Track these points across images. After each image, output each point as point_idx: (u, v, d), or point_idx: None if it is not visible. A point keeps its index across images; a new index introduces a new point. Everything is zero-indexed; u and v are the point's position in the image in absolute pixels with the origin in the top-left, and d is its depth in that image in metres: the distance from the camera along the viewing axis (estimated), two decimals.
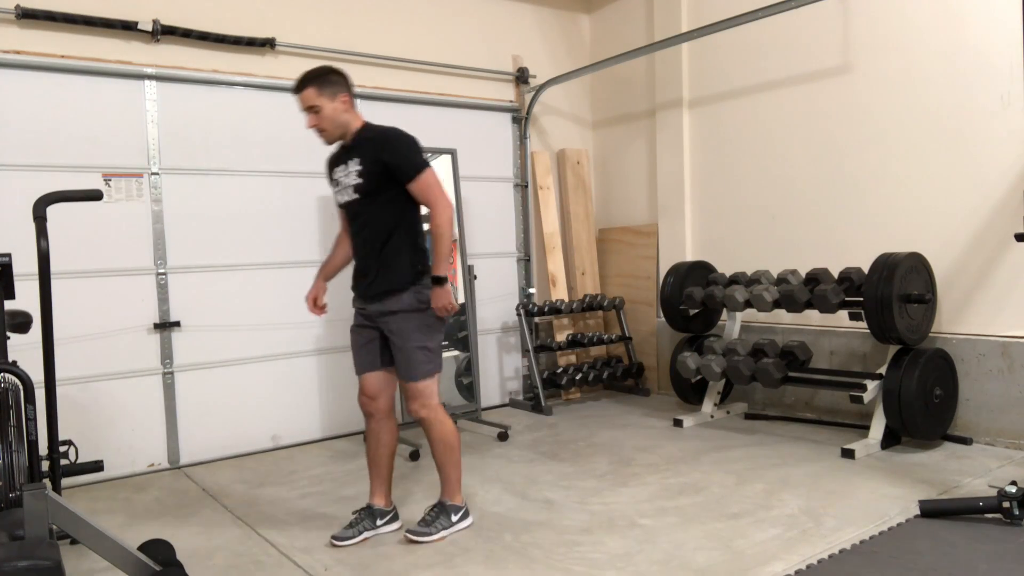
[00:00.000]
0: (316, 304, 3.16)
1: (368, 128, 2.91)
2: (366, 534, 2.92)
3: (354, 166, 2.84)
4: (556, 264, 5.65)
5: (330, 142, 2.92)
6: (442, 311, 2.84)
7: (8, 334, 2.49)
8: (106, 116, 3.95)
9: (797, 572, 2.46)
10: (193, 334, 4.19)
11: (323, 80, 2.81)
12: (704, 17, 4.86)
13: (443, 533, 2.90)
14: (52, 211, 2.62)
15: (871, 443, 3.80)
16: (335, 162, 2.97)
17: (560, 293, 5.61)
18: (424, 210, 2.90)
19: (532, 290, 5.61)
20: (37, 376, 2.35)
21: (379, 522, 2.97)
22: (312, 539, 2.95)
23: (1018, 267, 3.73)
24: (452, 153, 4.73)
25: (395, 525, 3.01)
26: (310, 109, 2.81)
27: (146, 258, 4.07)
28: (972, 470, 3.43)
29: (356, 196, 2.86)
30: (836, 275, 4.13)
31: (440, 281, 2.81)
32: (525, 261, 5.62)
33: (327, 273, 3.21)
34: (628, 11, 5.71)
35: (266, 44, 4.41)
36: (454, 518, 2.95)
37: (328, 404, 4.65)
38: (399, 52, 4.96)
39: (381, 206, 2.84)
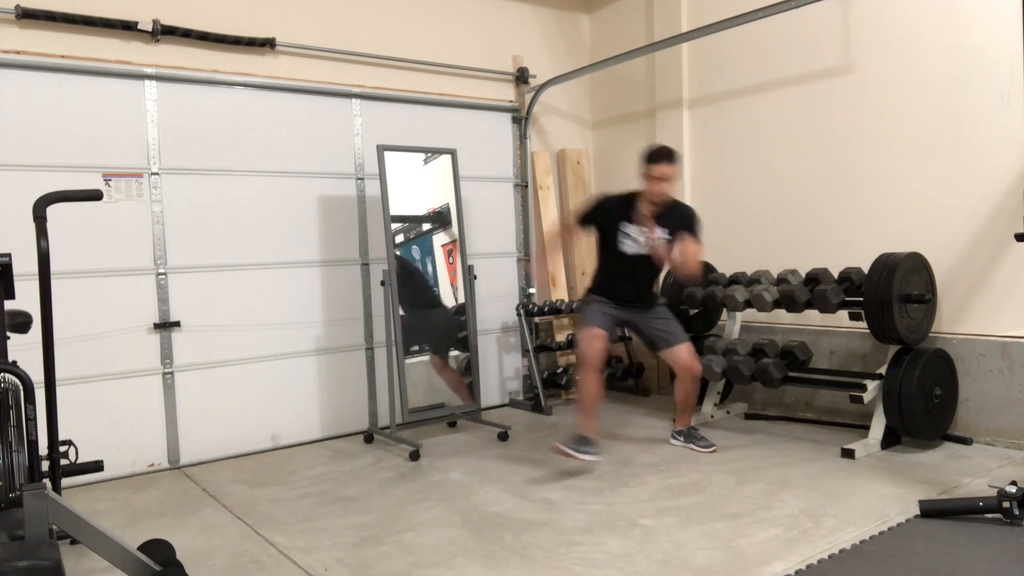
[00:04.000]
0: None
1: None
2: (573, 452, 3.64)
3: (661, 233, 3.78)
4: (556, 264, 5.65)
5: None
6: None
7: (8, 334, 2.48)
8: (106, 116, 3.95)
9: (797, 572, 2.46)
10: (193, 334, 4.19)
11: None
12: (704, 17, 4.86)
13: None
14: (52, 211, 2.62)
15: (871, 443, 3.80)
16: (630, 218, 3.81)
17: (560, 293, 5.61)
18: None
19: (532, 290, 5.61)
20: (37, 376, 2.34)
21: (581, 448, 3.64)
22: (312, 539, 2.95)
23: (1018, 267, 3.73)
24: (452, 153, 4.73)
25: (595, 458, 3.68)
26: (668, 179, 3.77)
27: (146, 258, 4.07)
28: (972, 470, 3.43)
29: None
30: (836, 275, 4.13)
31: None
32: (525, 261, 5.62)
33: None
34: (628, 11, 5.71)
35: (266, 44, 4.41)
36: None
37: (328, 404, 4.65)
38: (399, 52, 4.96)
39: None
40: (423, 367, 4.57)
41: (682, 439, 4.05)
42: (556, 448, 3.65)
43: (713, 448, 3.95)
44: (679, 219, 3.84)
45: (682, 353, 3.92)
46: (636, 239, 3.80)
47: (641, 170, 3.81)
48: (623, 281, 3.90)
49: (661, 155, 3.74)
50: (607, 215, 3.88)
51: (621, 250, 3.83)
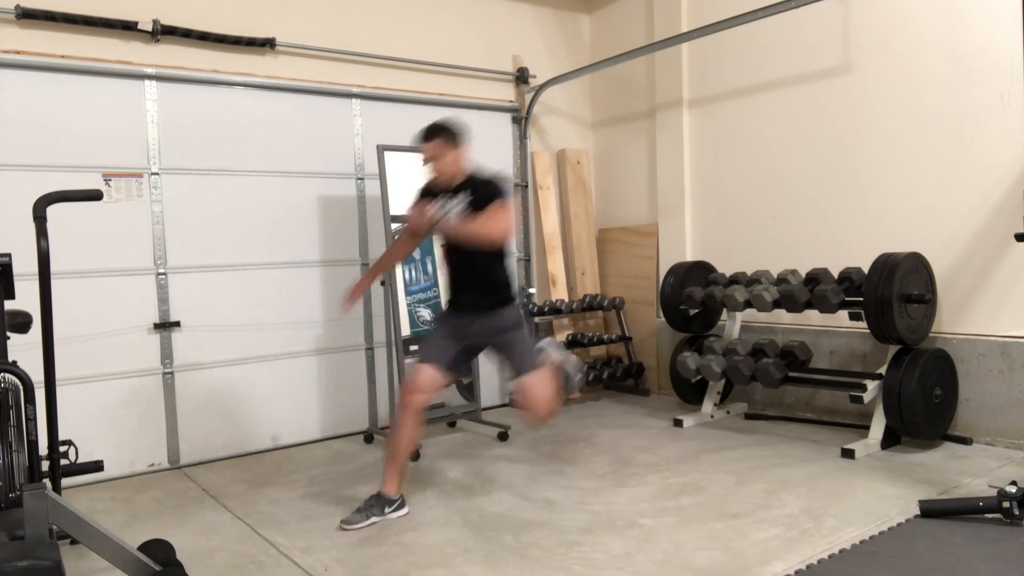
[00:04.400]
0: None
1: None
2: (374, 519, 3.09)
3: (461, 201, 3.21)
4: (556, 264, 5.65)
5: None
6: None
7: (8, 334, 2.48)
8: (106, 116, 3.95)
9: (797, 572, 2.46)
10: (193, 334, 4.19)
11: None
12: (704, 17, 4.86)
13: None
14: (52, 211, 2.62)
15: (871, 443, 3.80)
16: (436, 194, 3.30)
17: (560, 293, 5.61)
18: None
19: (532, 290, 5.61)
20: (37, 376, 2.34)
21: (387, 509, 3.14)
22: (312, 539, 2.95)
23: (1018, 267, 3.73)
24: None
25: (403, 511, 3.19)
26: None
27: (146, 258, 4.07)
28: (972, 470, 3.43)
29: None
30: (836, 275, 4.13)
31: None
32: (525, 261, 5.62)
33: None
34: (628, 11, 5.71)
35: (266, 44, 4.41)
36: None
37: (328, 404, 4.65)
38: (399, 52, 4.96)
39: None
40: None
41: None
42: (342, 527, 3.05)
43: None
44: (477, 190, 3.21)
45: (527, 387, 3.17)
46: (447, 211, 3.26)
47: None
48: (455, 274, 3.32)
49: (418, 137, 3.26)
50: (422, 201, 3.36)
51: (435, 233, 3.40)
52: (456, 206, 3.20)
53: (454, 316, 3.32)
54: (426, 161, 3.24)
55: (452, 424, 4.79)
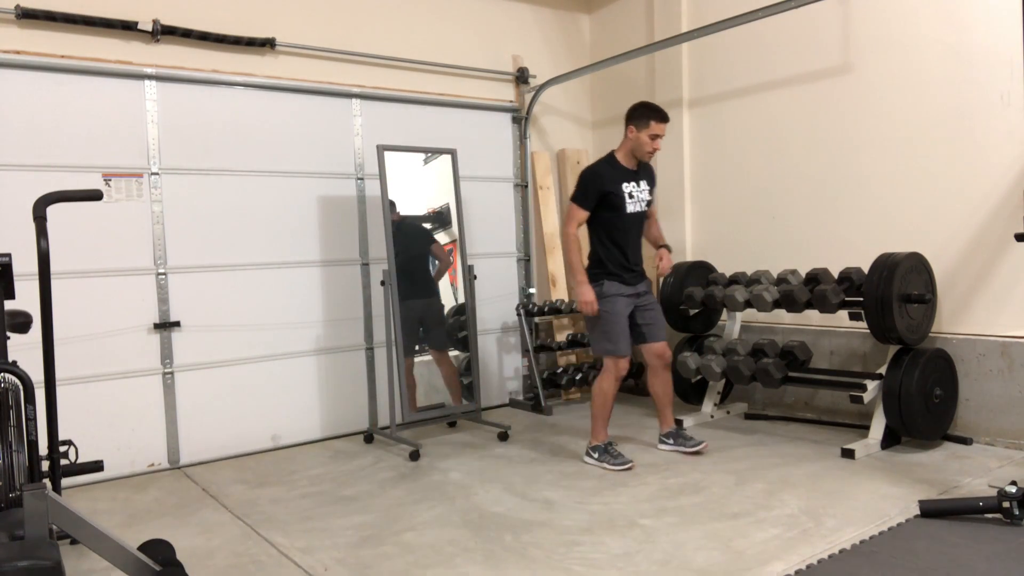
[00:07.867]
0: None
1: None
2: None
3: (645, 186, 3.84)
4: (556, 264, 5.65)
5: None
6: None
7: (8, 334, 2.48)
8: (106, 116, 3.95)
9: (797, 572, 2.46)
10: (193, 334, 4.19)
11: None
12: (704, 17, 4.86)
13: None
14: (52, 211, 2.62)
15: (871, 443, 3.80)
16: (625, 178, 3.76)
17: (560, 293, 5.61)
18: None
19: (532, 290, 5.61)
20: (37, 376, 2.34)
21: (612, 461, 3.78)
22: (312, 539, 2.95)
23: (1018, 267, 3.73)
24: (452, 153, 4.73)
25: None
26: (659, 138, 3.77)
27: (146, 258, 4.07)
28: (972, 470, 3.43)
29: (644, 209, 3.85)
30: (836, 275, 4.13)
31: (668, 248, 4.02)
32: (525, 261, 5.62)
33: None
34: (628, 11, 5.71)
35: (266, 44, 4.41)
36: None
37: (328, 404, 4.65)
38: (399, 52, 4.96)
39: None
40: (423, 367, 4.57)
41: (671, 442, 3.98)
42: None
43: (702, 444, 3.91)
44: (651, 174, 3.93)
45: (660, 347, 3.91)
46: (636, 196, 3.79)
47: (637, 126, 3.71)
48: (630, 243, 3.82)
49: (665, 114, 3.72)
50: (608, 183, 3.73)
51: (628, 211, 3.76)
52: (643, 190, 3.81)
53: (628, 284, 3.78)
54: (661, 138, 3.73)
55: (452, 424, 4.79)
